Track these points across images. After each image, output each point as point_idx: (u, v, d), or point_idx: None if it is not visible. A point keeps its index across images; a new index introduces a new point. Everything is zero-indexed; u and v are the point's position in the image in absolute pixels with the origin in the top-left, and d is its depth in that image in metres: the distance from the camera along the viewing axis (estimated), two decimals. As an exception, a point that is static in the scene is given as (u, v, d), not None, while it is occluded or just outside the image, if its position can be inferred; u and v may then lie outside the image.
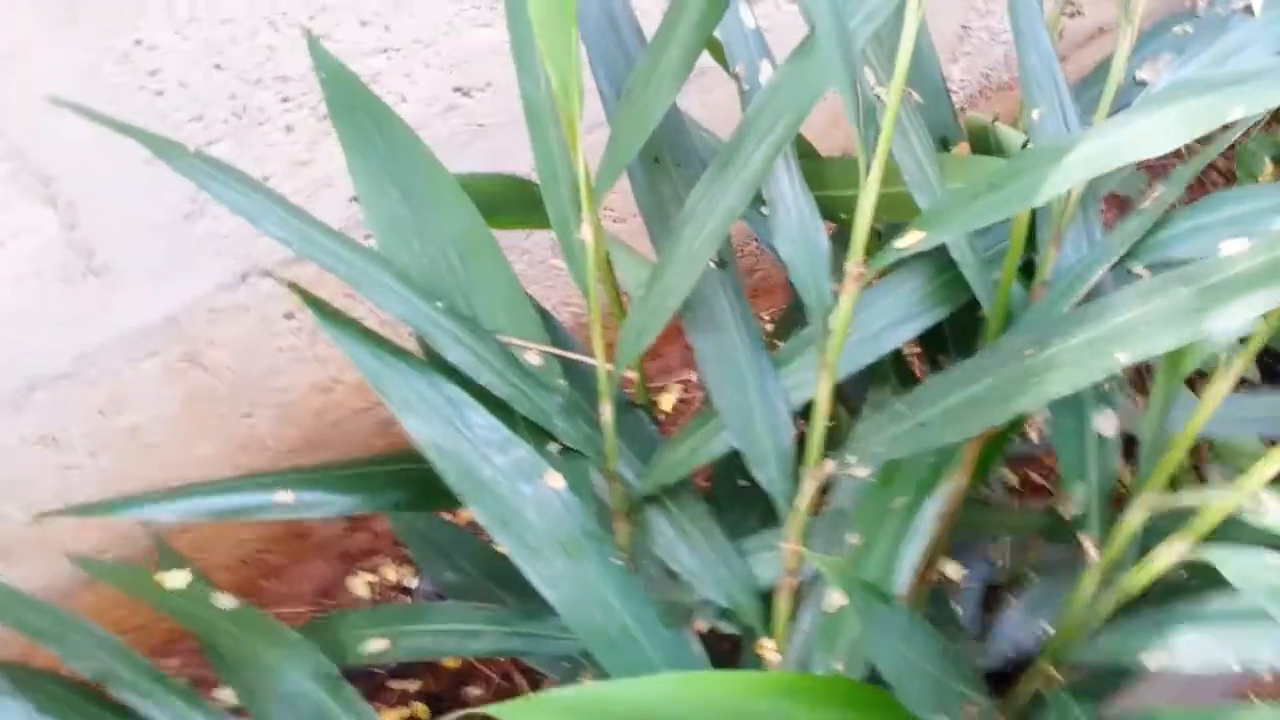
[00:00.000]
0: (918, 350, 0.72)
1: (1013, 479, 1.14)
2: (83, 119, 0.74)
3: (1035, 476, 1.16)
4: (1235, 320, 0.44)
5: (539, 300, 0.76)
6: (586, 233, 0.59)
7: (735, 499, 0.73)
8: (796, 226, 0.59)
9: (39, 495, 0.96)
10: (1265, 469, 0.48)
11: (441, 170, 0.65)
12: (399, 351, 0.62)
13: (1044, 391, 0.49)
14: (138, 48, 0.76)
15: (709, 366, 0.63)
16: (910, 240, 0.50)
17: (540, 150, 0.62)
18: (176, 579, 0.71)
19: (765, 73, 0.63)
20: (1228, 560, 0.50)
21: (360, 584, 1.24)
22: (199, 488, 0.68)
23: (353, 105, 0.65)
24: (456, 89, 0.95)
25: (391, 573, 1.23)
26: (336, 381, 1.08)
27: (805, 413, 0.64)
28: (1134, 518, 0.56)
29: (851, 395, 0.70)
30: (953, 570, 0.81)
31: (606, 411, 0.64)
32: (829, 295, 0.56)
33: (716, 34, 0.63)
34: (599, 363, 0.63)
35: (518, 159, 1.01)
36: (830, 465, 0.58)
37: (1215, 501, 0.50)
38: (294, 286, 0.63)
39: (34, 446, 0.93)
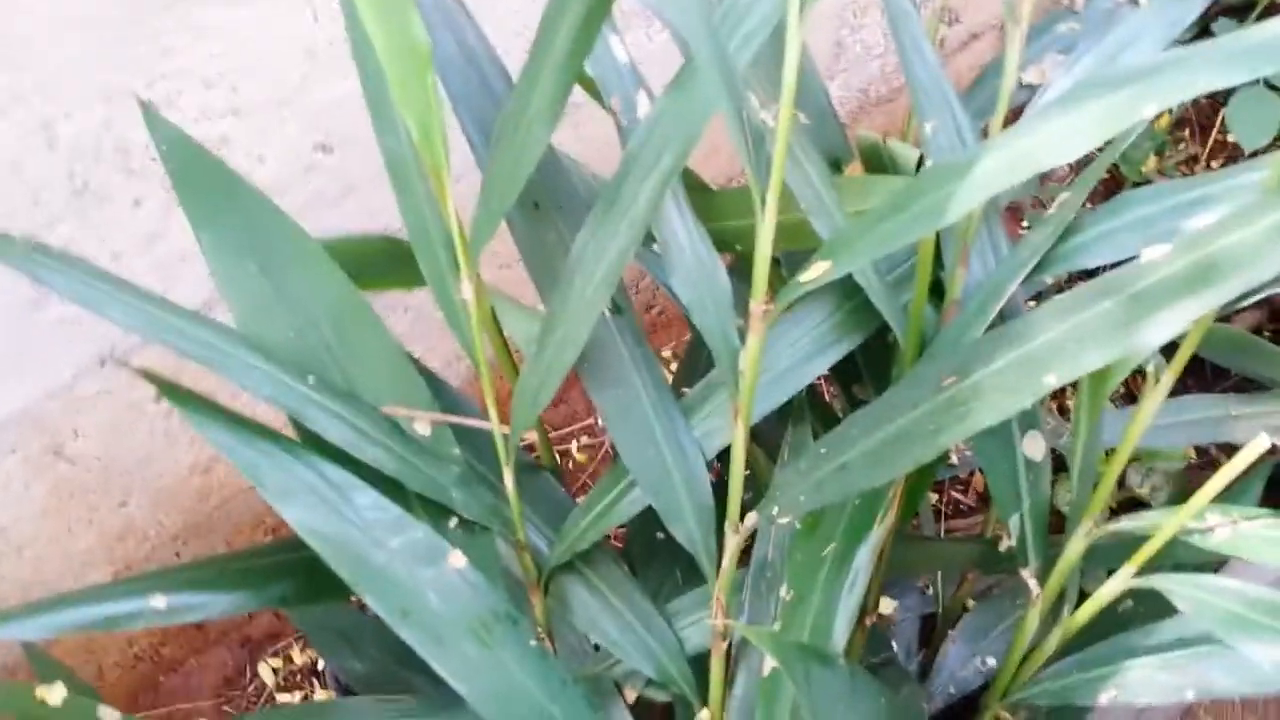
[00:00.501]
0: (831, 382, 0.69)
1: (933, 499, 1.12)
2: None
3: (958, 496, 1.14)
4: (1166, 331, 0.41)
5: (427, 358, 0.71)
6: (467, 291, 0.54)
7: (654, 555, 0.69)
8: (694, 266, 0.55)
9: None
10: (1210, 488, 0.46)
11: (303, 237, 0.60)
12: (271, 434, 0.56)
13: (971, 423, 0.46)
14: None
15: (614, 422, 0.59)
16: (815, 273, 0.46)
17: (408, 207, 0.57)
18: (54, 694, 0.64)
19: (643, 106, 0.59)
20: (1176, 588, 0.47)
21: (267, 670, 1.17)
22: (64, 600, 0.61)
23: (198, 175, 0.59)
24: (318, 146, 0.90)
25: (299, 656, 1.17)
26: (216, 460, 1.02)
27: (721, 458, 0.60)
28: (1074, 549, 0.54)
29: (766, 437, 0.67)
30: (886, 605, 0.79)
31: (509, 479, 0.59)
32: (735, 337, 0.53)
33: (588, 69, 0.60)
34: (495, 428, 0.58)
35: (391, 214, 0.96)
36: (753, 519, 0.54)
37: (1160, 527, 0.47)
38: (148, 374, 0.57)
39: (-113, 559, 0.86)
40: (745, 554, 0.62)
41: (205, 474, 1.03)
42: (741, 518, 0.56)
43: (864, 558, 0.56)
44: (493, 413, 0.58)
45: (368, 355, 0.60)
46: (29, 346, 0.83)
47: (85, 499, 0.95)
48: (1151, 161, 1.35)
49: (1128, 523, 0.51)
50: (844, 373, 0.67)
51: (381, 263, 0.71)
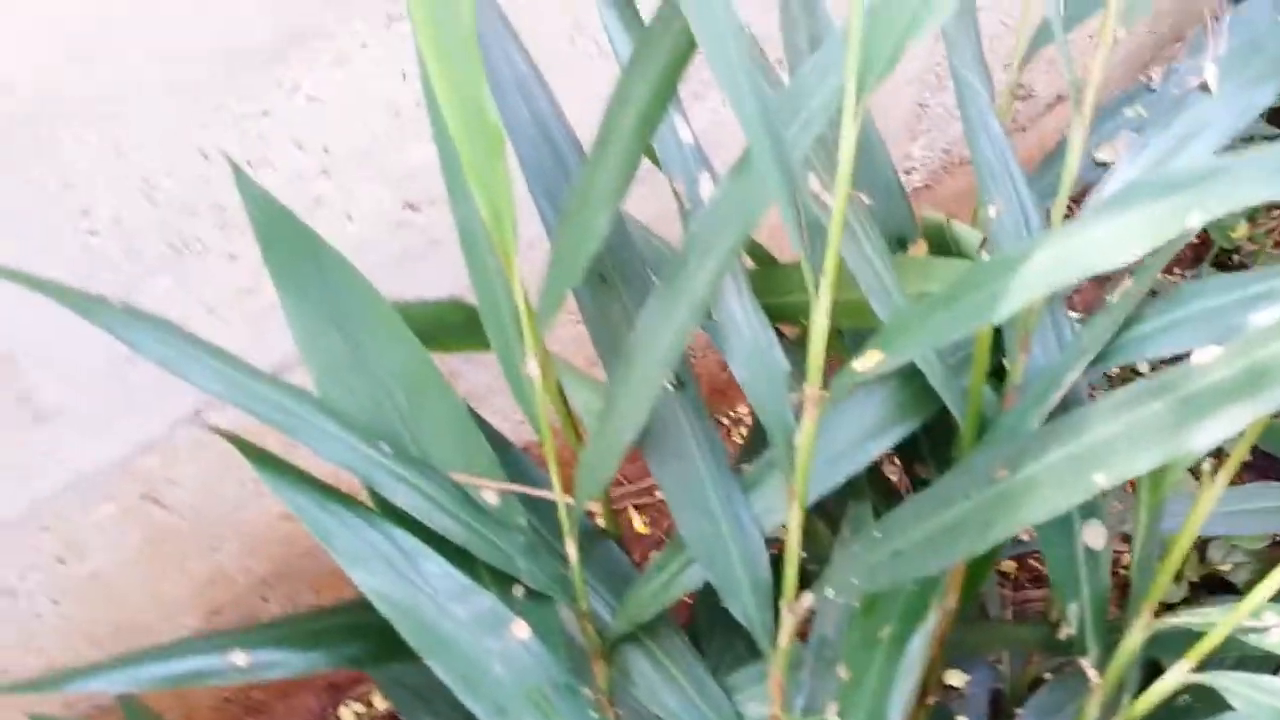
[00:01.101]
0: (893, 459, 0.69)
1: (1011, 566, 1.10)
2: (17, 267, 0.73)
3: (1037, 565, 1.13)
4: (1216, 436, 0.41)
5: (502, 416, 0.72)
6: (532, 367, 0.56)
7: (716, 625, 0.70)
8: (750, 346, 0.56)
9: (2, 648, 0.93)
10: (1265, 588, 0.45)
11: (382, 305, 0.62)
12: (343, 499, 0.59)
13: (1021, 517, 0.46)
14: (67, 189, 0.74)
15: (674, 496, 0.60)
16: (869, 362, 0.47)
17: (478, 278, 0.59)
18: (145, 739, 0.67)
19: (706, 186, 0.61)
20: (1232, 687, 0.47)
21: (349, 715, 1.20)
22: (149, 654, 0.64)
23: (285, 240, 0.62)
24: (406, 204, 0.93)
25: (380, 702, 1.20)
26: (305, 509, 1.06)
27: (781, 536, 0.61)
28: (1132, 640, 0.53)
29: (828, 509, 0.67)
30: (956, 678, 0.78)
31: (572, 550, 0.61)
32: (790, 419, 0.54)
33: (654, 146, 0.61)
34: (559, 499, 0.60)
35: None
36: (809, 599, 0.55)
37: (1217, 625, 0.47)
38: (228, 434, 0.60)
39: (-8, 598, 0.90)
40: (807, 626, 0.63)
41: (292, 521, 1.06)
42: (799, 595, 0.57)
43: (920, 641, 0.56)
44: (556, 483, 0.59)
45: (438, 423, 0.62)
46: (126, 399, 0.86)
47: (177, 545, 0.99)
48: (1243, 228, 1.32)
49: (1185, 618, 0.51)
50: (906, 450, 0.67)
51: (457, 326, 0.73)
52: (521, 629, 0.58)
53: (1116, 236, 0.42)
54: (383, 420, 0.62)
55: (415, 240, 0.95)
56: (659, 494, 1.30)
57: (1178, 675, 0.50)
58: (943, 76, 1.25)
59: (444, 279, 0.99)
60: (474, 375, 1.10)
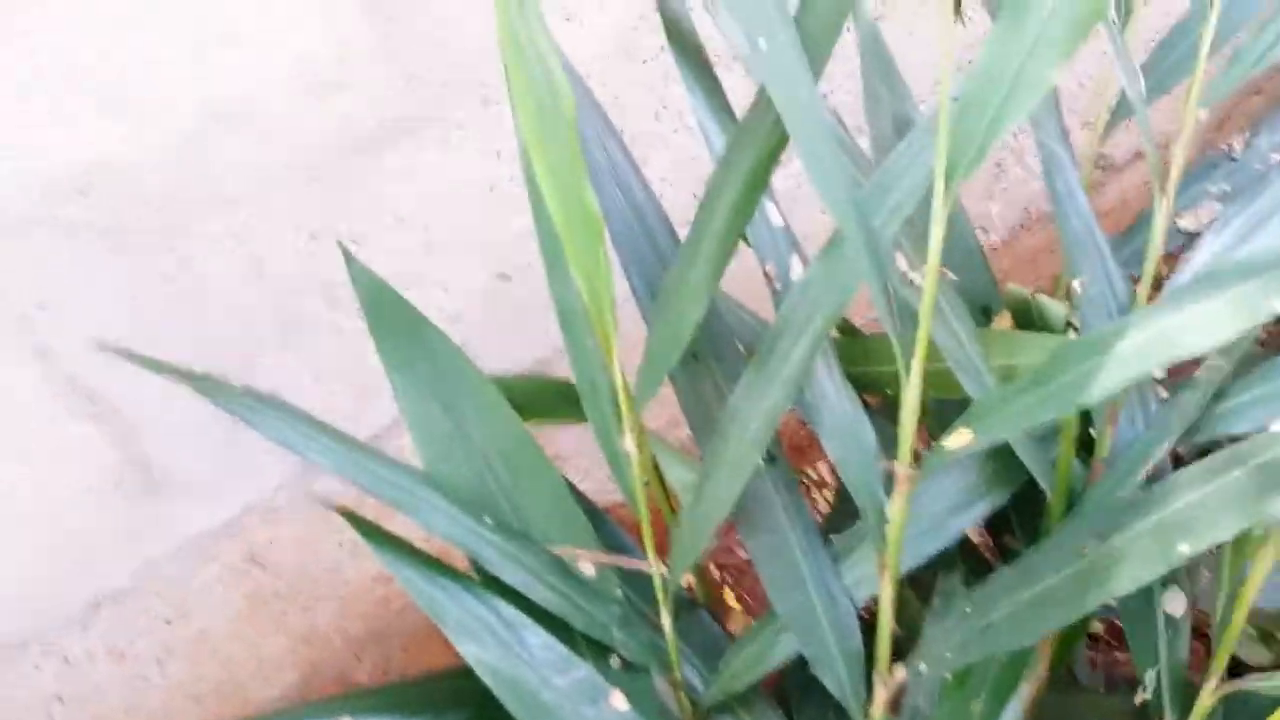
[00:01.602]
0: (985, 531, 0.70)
1: (1096, 626, 1.09)
2: (129, 345, 0.77)
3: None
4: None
5: (587, 476, 0.74)
6: (629, 445, 0.58)
7: (811, 695, 0.71)
8: (841, 423, 0.58)
9: (110, 709, 0.96)
10: None
11: (483, 382, 0.65)
12: (452, 573, 0.61)
13: (1109, 589, 0.47)
14: (179, 269, 0.78)
15: (766, 569, 0.62)
16: (959, 441, 0.49)
17: (577, 357, 0.61)
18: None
19: (796, 269, 0.63)
20: None
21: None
22: None
23: (391, 320, 0.66)
24: (498, 275, 0.96)
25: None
26: (398, 570, 1.08)
27: (872, 604, 0.62)
28: (1202, 705, 0.54)
29: (922, 580, 0.68)
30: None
31: (667, 621, 0.63)
32: (881, 494, 0.55)
33: (748, 232, 0.63)
34: (654, 571, 0.62)
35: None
36: (901, 672, 0.56)
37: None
38: (344, 511, 0.63)
39: (103, 661, 0.93)
40: (899, 697, 0.63)
41: (387, 583, 1.09)
42: (892, 667, 0.58)
43: (1012, 714, 0.57)
44: (651, 555, 0.61)
45: (538, 496, 0.65)
46: (235, 463, 0.90)
47: (276, 605, 1.02)
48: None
49: (1252, 682, 0.51)
50: (995, 521, 0.68)
51: (553, 398, 0.76)
52: (619, 699, 0.59)
53: (1207, 319, 0.43)
54: (484, 492, 0.64)
55: (507, 308, 0.98)
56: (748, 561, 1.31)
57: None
58: (1019, 136, 1.26)
59: (534, 345, 1.02)
60: (561, 438, 1.12)
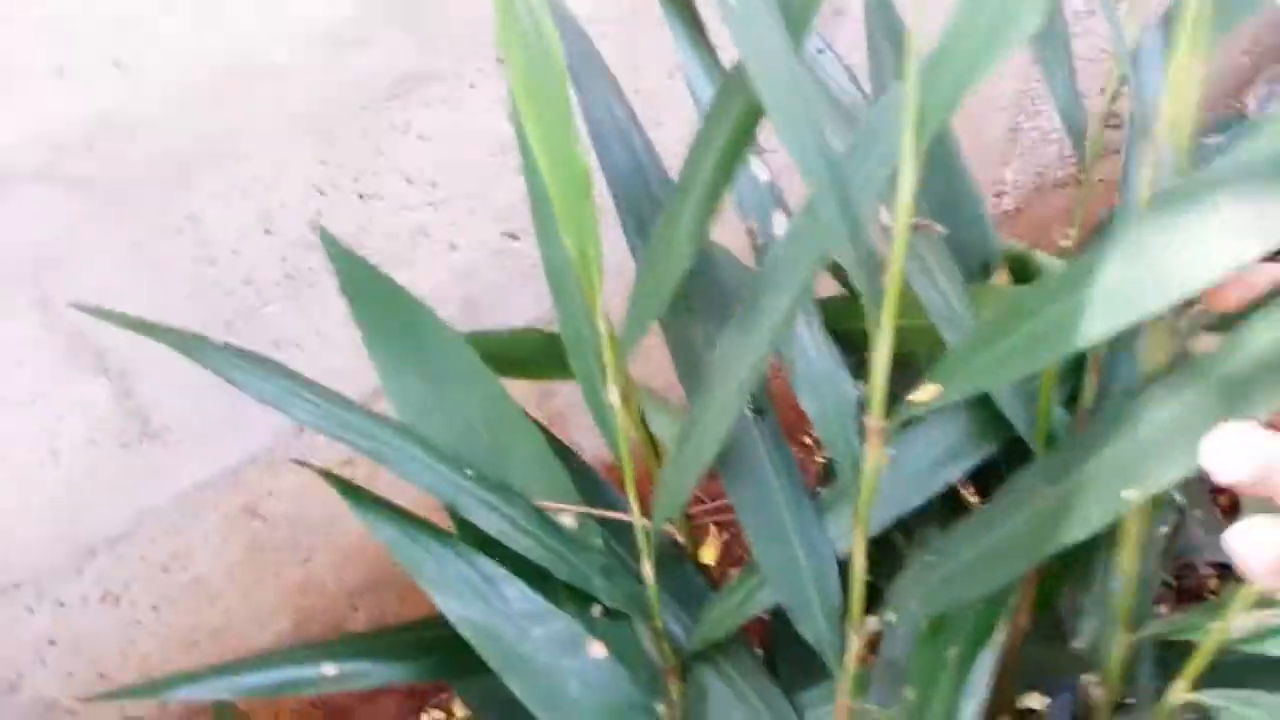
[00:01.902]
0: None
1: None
2: (134, 296, 0.78)
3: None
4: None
5: (592, 432, 0.74)
6: (613, 396, 0.58)
7: (792, 645, 0.71)
8: (820, 379, 0.58)
9: (103, 652, 0.98)
10: (1242, 595, 0.45)
11: (463, 349, 0.65)
12: (431, 529, 0.62)
13: (1062, 536, 0.46)
14: (187, 222, 0.78)
15: (750, 520, 0.62)
16: (924, 395, 0.48)
17: (564, 312, 0.62)
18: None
19: (779, 224, 0.62)
20: (1224, 705, 0.47)
21: (428, 720, 1.24)
22: (245, 664, 0.68)
23: (369, 294, 0.66)
24: (506, 234, 0.96)
25: (459, 709, 1.23)
26: (395, 523, 1.09)
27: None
28: (1115, 656, 0.53)
29: (912, 534, 0.68)
30: (1035, 701, 0.78)
31: (648, 570, 0.63)
32: (857, 449, 0.55)
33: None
34: (636, 521, 0.62)
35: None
36: (873, 622, 0.57)
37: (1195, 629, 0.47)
38: (324, 472, 0.64)
39: (97, 606, 0.95)
40: (879, 648, 0.64)
41: (382, 535, 1.10)
42: (865, 618, 0.58)
43: (987, 662, 0.57)
44: (634, 507, 0.62)
45: (519, 455, 0.65)
46: (233, 415, 0.91)
47: (274, 555, 1.03)
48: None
49: (1156, 627, 0.51)
50: (987, 476, 0.67)
51: (547, 355, 0.76)
52: (598, 649, 0.60)
53: (1202, 253, 0.37)
54: (466, 453, 0.65)
55: (515, 266, 0.99)
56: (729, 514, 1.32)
57: (1176, 695, 0.50)
58: (1037, 100, 1.25)
59: (542, 303, 1.02)
60: (568, 392, 1.13)
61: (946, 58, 0.40)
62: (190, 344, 0.59)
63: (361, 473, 1.00)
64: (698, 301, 0.67)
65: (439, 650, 0.67)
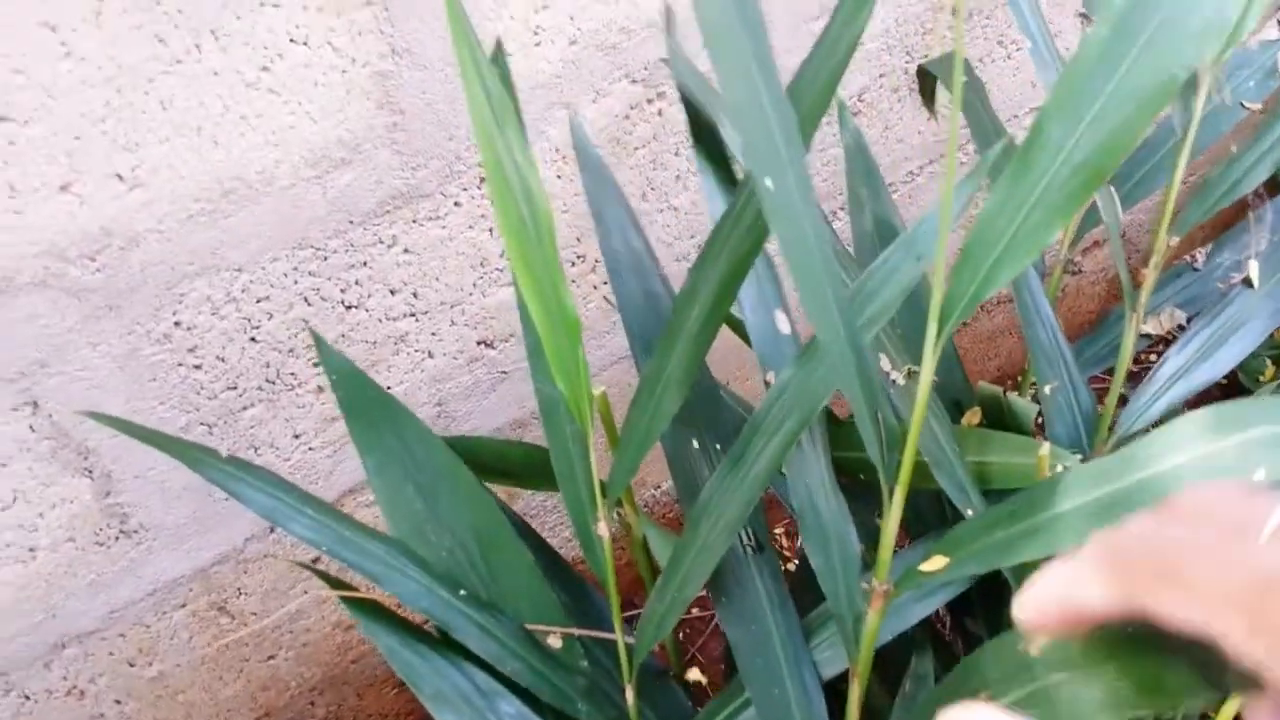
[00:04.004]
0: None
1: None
2: (120, 394, 0.76)
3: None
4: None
5: (554, 531, 0.73)
6: (603, 530, 0.58)
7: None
8: (828, 533, 0.58)
9: None
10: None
11: (456, 465, 0.65)
12: (431, 641, 0.61)
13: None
14: (177, 329, 0.77)
15: (744, 659, 0.62)
16: (934, 565, 0.49)
17: (555, 445, 0.62)
18: None
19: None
20: None
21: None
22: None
23: (364, 405, 0.66)
24: (480, 342, 0.96)
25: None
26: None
27: (835, 682, 0.62)
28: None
29: (881, 661, 0.68)
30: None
31: (630, 695, 0.62)
32: (860, 604, 0.55)
33: (754, 341, 0.63)
34: (621, 647, 0.61)
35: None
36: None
37: None
38: (332, 579, 0.62)
39: (62, 699, 0.93)
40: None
41: (347, 631, 1.08)
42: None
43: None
44: (618, 629, 0.61)
45: (509, 575, 0.65)
46: (209, 515, 0.89)
47: (239, 651, 1.01)
48: (1269, 371, 1.33)
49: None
50: (959, 609, 0.68)
51: (526, 467, 0.76)
52: None
53: (1181, 474, 0.43)
54: (458, 570, 0.64)
55: (486, 373, 0.99)
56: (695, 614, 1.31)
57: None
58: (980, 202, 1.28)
59: (512, 408, 1.02)
60: (529, 495, 1.12)
61: (971, 257, 0.41)
62: (196, 458, 0.58)
63: (335, 565, 0.98)
64: (702, 433, 0.67)
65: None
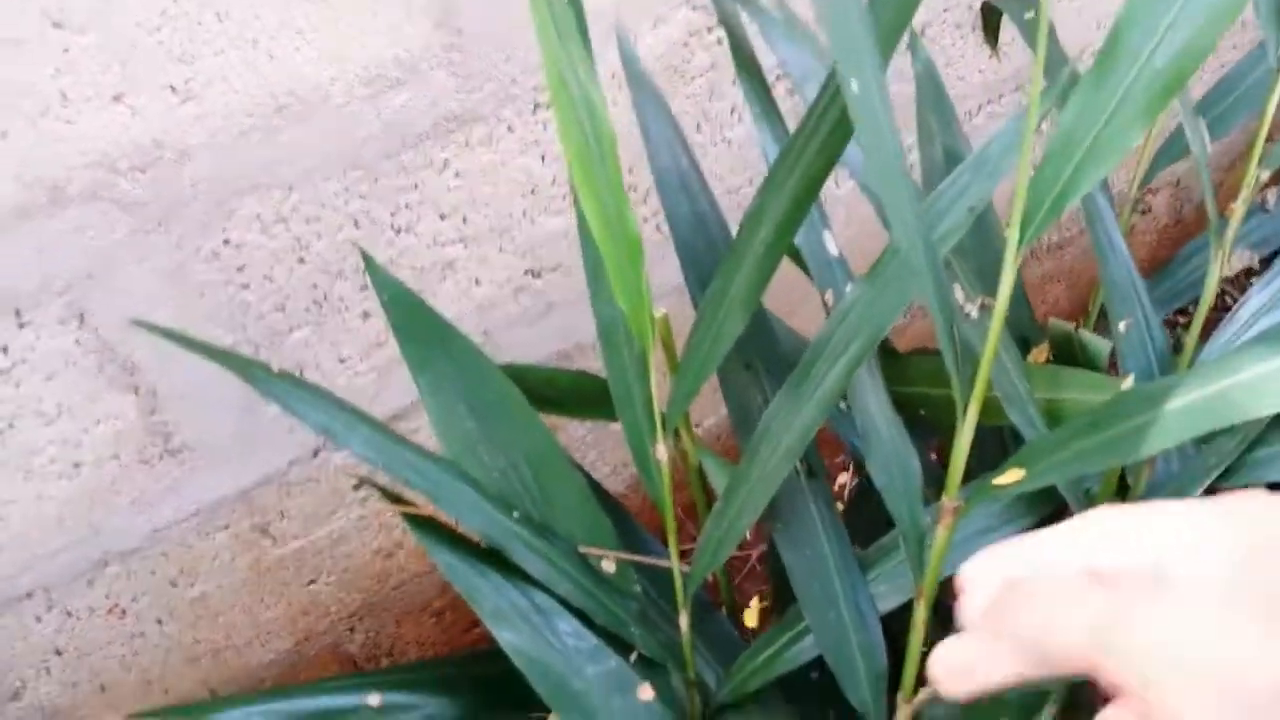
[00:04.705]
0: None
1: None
2: (167, 311, 0.76)
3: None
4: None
5: (616, 467, 0.72)
6: (660, 453, 0.57)
7: (809, 694, 0.70)
8: (890, 453, 0.57)
9: (106, 664, 0.97)
10: None
11: (509, 387, 0.65)
12: (489, 556, 0.60)
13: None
14: (225, 247, 0.77)
15: (800, 582, 0.61)
16: (1009, 478, 0.48)
17: (614, 369, 0.61)
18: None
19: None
20: None
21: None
22: (289, 691, 0.67)
23: (417, 326, 0.66)
24: (528, 271, 0.96)
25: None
26: (399, 546, 1.08)
27: (892, 617, 0.61)
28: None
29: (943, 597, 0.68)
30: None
31: (685, 620, 0.62)
32: (923, 523, 0.54)
33: (809, 264, 0.62)
34: (675, 571, 0.60)
35: (583, 331, 1.02)
36: (925, 694, 0.55)
37: None
38: (391, 494, 0.62)
39: (104, 617, 0.94)
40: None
41: (388, 558, 1.08)
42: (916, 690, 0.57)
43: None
44: (674, 555, 0.60)
45: (562, 497, 0.65)
46: (253, 436, 0.90)
47: (280, 574, 1.02)
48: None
49: None
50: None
51: (579, 396, 0.75)
52: (646, 691, 0.59)
53: (1266, 384, 0.42)
54: (510, 492, 0.64)
55: (533, 303, 0.98)
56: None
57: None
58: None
59: (556, 338, 1.01)
60: (572, 426, 1.12)
61: (1052, 164, 0.39)
62: (252, 372, 0.57)
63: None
64: (756, 361, 0.66)
65: (482, 687, 0.65)
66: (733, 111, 0.97)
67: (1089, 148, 0.41)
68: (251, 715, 0.63)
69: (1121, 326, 0.60)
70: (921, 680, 0.56)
